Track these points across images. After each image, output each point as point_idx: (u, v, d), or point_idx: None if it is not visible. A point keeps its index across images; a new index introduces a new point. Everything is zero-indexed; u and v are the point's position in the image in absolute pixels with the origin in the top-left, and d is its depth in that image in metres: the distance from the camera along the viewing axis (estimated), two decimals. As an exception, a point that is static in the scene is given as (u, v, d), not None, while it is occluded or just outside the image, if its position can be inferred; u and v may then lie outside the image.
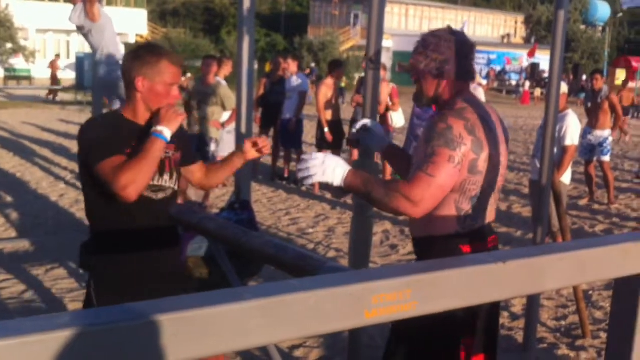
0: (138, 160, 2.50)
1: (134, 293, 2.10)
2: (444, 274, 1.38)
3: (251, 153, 2.90)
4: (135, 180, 2.47)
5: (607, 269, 1.60)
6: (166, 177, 2.73)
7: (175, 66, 2.66)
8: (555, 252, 1.56)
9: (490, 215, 2.69)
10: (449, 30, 2.64)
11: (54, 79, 28.90)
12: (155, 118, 2.64)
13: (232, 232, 1.67)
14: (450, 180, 2.43)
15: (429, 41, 2.58)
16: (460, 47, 2.58)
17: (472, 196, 2.54)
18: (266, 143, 2.84)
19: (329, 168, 2.48)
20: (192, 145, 3.02)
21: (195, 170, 2.97)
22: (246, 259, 2.90)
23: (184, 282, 2.85)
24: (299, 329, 1.22)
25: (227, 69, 8.97)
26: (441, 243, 2.55)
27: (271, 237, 2.12)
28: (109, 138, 2.57)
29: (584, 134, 9.64)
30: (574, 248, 1.60)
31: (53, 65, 29.52)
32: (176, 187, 2.78)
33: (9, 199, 8.65)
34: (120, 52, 6.68)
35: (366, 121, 2.99)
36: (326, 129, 9.56)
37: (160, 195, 2.71)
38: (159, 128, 2.58)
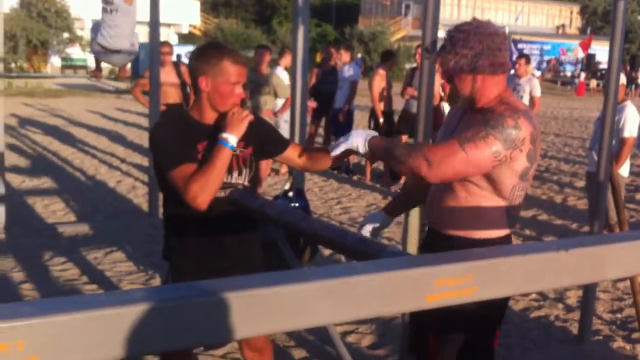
0: (206, 171, 2.56)
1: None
2: (505, 261, 1.39)
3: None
4: (204, 190, 2.53)
5: (670, 258, 1.58)
6: (235, 174, 2.76)
7: (237, 65, 2.65)
8: (617, 242, 1.55)
9: None
10: (477, 22, 2.50)
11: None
12: (222, 122, 2.66)
13: (292, 217, 1.71)
14: (478, 164, 2.33)
15: (457, 37, 2.44)
16: (492, 39, 2.43)
17: (517, 205, 2.52)
18: None
19: (354, 134, 2.50)
20: (275, 133, 2.99)
21: (291, 156, 2.93)
22: (301, 246, 2.95)
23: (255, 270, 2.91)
24: (362, 310, 1.25)
25: (288, 58, 9.04)
26: (480, 245, 2.44)
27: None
28: (178, 143, 2.63)
29: (643, 126, 9.42)
30: (636, 238, 1.59)
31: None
32: (247, 182, 2.79)
33: (68, 184, 8.88)
34: (135, 42, 6.93)
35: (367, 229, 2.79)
36: (381, 120, 9.56)
37: (229, 192, 2.75)
38: (225, 135, 2.60)
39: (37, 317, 0.98)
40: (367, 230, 2.74)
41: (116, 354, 1.04)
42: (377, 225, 2.81)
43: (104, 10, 6.78)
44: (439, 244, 2.57)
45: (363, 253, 1.47)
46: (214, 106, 2.68)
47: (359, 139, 2.48)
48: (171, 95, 8.54)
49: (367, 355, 4.15)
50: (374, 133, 2.53)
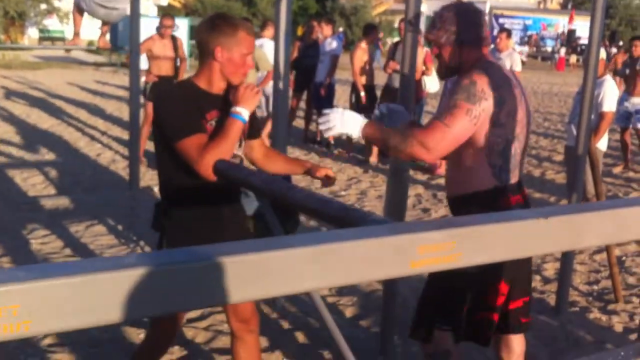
0: (218, 142, 2.62)
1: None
2: (487, 228, 1.43)
3: (315, 176, 3.05)
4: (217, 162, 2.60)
5: (646, 227, 1.63)
6: (237, 145, 2.82)
7: (250, 36, 2.75)
8: (596, 210, 1.59)
9: (519, 174, 2.83)
10: (458, 2, 2.84)
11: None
12: (233, 97, 2.73)
13: (277, 186, 1.73)
14: (464, 132, 2.60)
15: (445, 16, 2.75)
16: (472, 15, 2.78)
17: (500, 150, 2.69)
18: (332, 177, 3.01)
19: (348, 119, 2.68)
20: (257, 120, 3.10)
21: (255, 146, 3.05)
22: (284, 217, 2.98)
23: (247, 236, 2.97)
24: (348, 276, 1.27)
25: (271, 30, 9.01)
26: (482, 198, 2.70)
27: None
28: (187, 113, 2.67)
29: (621, 101, 9.50)
30: (614, 206, 1.63)
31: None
32: (243, 154, 2.93)
33: (47, 157, 8.83)
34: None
35: (381, 108, 3.04)
36: (362, 93, 9.55)
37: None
38: (238, 109, 2.68)
39: (31, 281, 0.99)
40: (377, 112, 3.02)
41: (110, 318, 1.06)
42: (383, 109, 3.03)
43: None
44: (452, 209, 2.95)
45: (346, 221, 1.50)
46: (225, 76, 2.74)
47: (354, 126, 2.68)
48: (164, 68, 8.60)
49: (349, 327, 4.20)
50: (363, 120, 2.70)
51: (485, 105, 2.60)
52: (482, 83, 2.61)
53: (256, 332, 3.09)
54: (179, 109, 2.68)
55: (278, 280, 1.19)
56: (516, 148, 2.73)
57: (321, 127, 2.75)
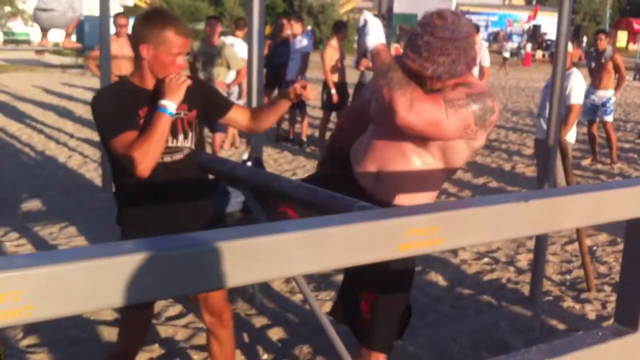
0: (146, 138, 2.55)
1: None
2: (470, 211, 1.47)
3: (296, 96, 2.80)
4: (146, 158, 2.54)
5: (621, 210, 1.68)
6: (180, 137, 2.76)
7: (180, 36, 2.62)
8: (573, 193, 1.64)
9: None
10: (452, 25, 2.38)
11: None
12: (159, 89, 2.64)
13: (263, 177, 1.75)
14: (447, 131, 2.37)
15: (434, 44, 2.36)
16: (466, 42, 2.40)
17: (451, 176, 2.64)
18: (310, 89, 2.75)
19: (377, 26, 2.46)
20: (218, 96, 2.99)
21: (236, 117, 2.95)
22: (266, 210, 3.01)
23: None
24: (338, 259, 1.31)
25: (245, 29, 9.00)
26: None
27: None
28: (119, 110, 2.62)
29: (587, 94, 9.66)
30: (590, 190, 1.69)
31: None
32: (193, 146, 2.79)
33: (18, 160, 8.73)
34: (74, 3, 7.05)
35: (366, 16, 2.61)
36: (333, 91, 9.59)
37: (177, 157, 2.75)
38: (163, 102, 2.59)
39: (32, 267, 1.01)
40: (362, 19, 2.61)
41: (110, 303, 1.08)
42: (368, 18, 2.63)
43: None
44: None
45: (334, 208, 1.53)
46: (154, 74, 2.67)
47: (378, 37, 2.45)
48: (125, 68, 8.38)
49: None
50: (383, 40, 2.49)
51: (480, 134, 2.44)
52: (495, 116, 2.46)
53: (230, 328, 3.08)
54: (110, 107, 2.63)
55: (271, 265, 1.22)
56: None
57: (365, 15, 2.50)
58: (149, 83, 2.70)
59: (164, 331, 4.04)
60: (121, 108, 2.64)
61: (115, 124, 2.60)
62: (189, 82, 2.67)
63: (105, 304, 1.10)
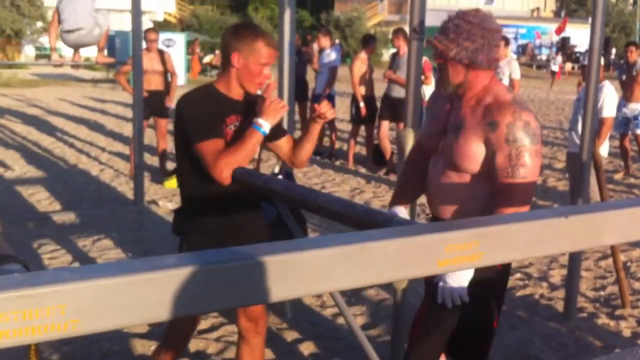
0: (236, 150, 2.68)
1: None
2: (509, 227, 1.46)
3: (322, 115, 2.86)
4: (232, 167, 2.65)
5: (661, 225, 1.66)
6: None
7: (269, 47, 2.80)
8: (613, 209, 1.62)
9: None
10: (483, 15, 2.52)
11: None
12: (258, 107, 2.79)
13: (298, 191, 1.76)
14: (538, 173, 2.50)
15: (461, 27, 2.45)
16: (493, 36, 2.48)
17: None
18: (326, 108, 2.81)
19: (459, 277, 2.52)
20: (281, 123, 3.11)
21: (283, 145, 3.04)
22: (300, 224, 3.02)
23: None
24: (379, 275, 1.30)
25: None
26: None
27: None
28: (208, 117, 2.74)
29: (618, 107, 9.54)
30: (630, 205, 1.66)
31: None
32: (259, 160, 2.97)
33: (51, 173, 8.85)
34: (98, 17, 7.44)
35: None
36: (362, 104, 9.59)
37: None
38: (260, 121, 2.73)
39: (77, 281, 1.02)
40: None
41: (153, 317, 1.09)
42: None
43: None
44: None
45: (372, 223, 1.53)
46: (241, 83, 2.81)
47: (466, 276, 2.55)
48: (154, 82, 8.47)
49: (358, 335, 4.22)
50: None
51: (539, 141, 2.50)
52: (533, 120, 2.47)
53: (263, 335, 3.13)
54: (200, 111, 2.75)
55: (313, 279, 1.21)
56: None
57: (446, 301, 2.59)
58: (235, 91, 2.84)
59: (196, 345, 4.05)
60: (211, 114, 2.75)
61: (203, 129, 2.71)
62: (287, 108, 2.82)
63: (149, 317, 1.11)
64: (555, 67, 29.71)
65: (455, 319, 2.65)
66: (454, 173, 2.57)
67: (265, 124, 2.73)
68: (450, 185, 2.60)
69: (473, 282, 2.52)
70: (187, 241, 2.93)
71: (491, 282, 2.61)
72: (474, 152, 2.49)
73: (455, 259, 1.38)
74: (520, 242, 1.49)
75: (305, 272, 1.21)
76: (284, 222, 3.04)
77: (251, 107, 2.87)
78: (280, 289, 1.19)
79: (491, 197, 2.53)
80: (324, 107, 2.79)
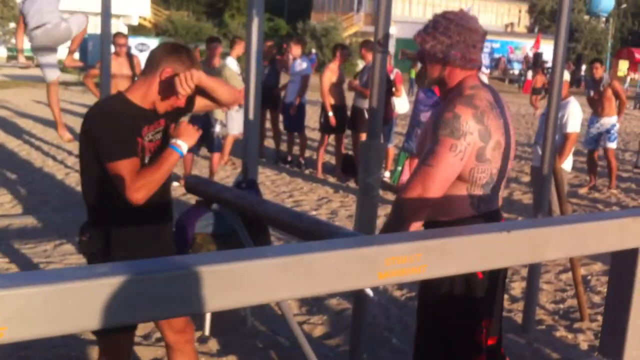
0: (153, 171, 2.65)
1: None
2: (452, 240, 1.47)
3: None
4: (148, 189, 2.63)
5: (605, 242, 1.68)
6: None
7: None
8: (557, 224, 1.64)
9: (499, 200, 2.73)
10: (463, 14, 2.59)
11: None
12: (174, 131, 2.79)
13: (249, 201, 1.76)
14: (452, 169, 2.45)
15: (440, 22, 2.56)
16: (469, 35, 2.54)
17: (483, 184, 2.56)
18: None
19: None
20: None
21: (199, 102, 3.04)
22: (255, 233, 3.00)
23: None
24: (317, 286, 1.31)
25: (239, 49, 9.06)
26: (458, 225, 2.53)
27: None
28: (124, 133, 2.66)
29: (590, 123, 9.69)
30: (575, 221, 1.69)
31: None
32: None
33: (15, 176, 8.74)
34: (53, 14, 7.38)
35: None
36: (330, 113, 9.61)
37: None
38: (179, 142, 2.73)
39: (4, 289, 1.01)
40: None
41: (83, 326, 1.08)
42: None
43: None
44: None
45: (317, 234, 1.54)
46: (159, 99, 2.77)
47: None
48: (122, 86, 8.37)
49: (318, 346, 4.22)
50: None
51: (471, 139, 2.46)
52: (466, 116, 2.45)
53: (193, 341, 3.13)
54: (114, 126, 2.67)
55: (251, 290, 1.21)
56: (499, 179, 2.63)
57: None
58: (149, 102, 2.78)
59: (154, 352, 4.02)
60: (126, 129, 2.67)
61: (120, 146, 2.63)
62: (200, 132, 2.83)
63: (80, 326, 1.10)
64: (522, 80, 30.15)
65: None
66: None
67: (184, 146, 2.73)
68: None
69: (439, 296, 2.53)
70: (110, 255, 2.83)
71: (457, 294, 2.61)
72: (425, 146, 2.55)
73: (396, 271, 1.39)
74: (463, 256, 1.50)
75: (242, 283, 1.21)
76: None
77: (159, 116, 2.84)
78: (216, 299, 1.18)
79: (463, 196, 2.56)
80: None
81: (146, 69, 2.79)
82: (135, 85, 2.82)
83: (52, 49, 7.75)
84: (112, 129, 2.65)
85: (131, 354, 3.09)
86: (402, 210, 2.48)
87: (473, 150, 2.47)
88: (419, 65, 2.71)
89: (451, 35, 2.53)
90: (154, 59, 2.77)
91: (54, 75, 7.77)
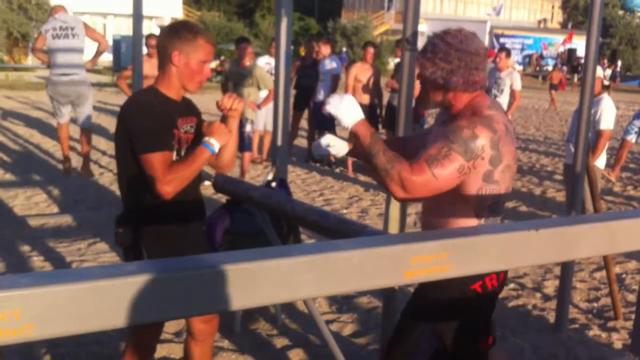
0: (185, 166, 2.69)
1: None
2: (478, 239, 1.46)
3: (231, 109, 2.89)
4: (178, 185, 2.67)
5: (636, 239, 1.66)
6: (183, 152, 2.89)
7: (209, 44, 2.80)
8: (587, 222, 1.63)
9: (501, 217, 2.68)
10: (462, 37, 2.48)
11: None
12: (207, 129, 2.82)
13: (276, 200, 1.76)
14: (448, 185, 2.39)
15: (439, 47, 2.46)
16: (471, 58, 2.45)
17: (489, 204, 2.51)
18: (230, 101, 2.85)
19: (346, 105, 2.43)
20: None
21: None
22: (284, 234, 3.01)
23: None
24: (343, 284, 1.31)
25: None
26: None
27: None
28: (159, 126, 2.71)
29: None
30: (607, 219, 1.67)
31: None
32: None
33: (50, 177, 8.87)
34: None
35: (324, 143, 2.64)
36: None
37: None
38: (212, 141, 2.76)
39: (33, 287, 1.03)
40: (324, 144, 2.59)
41: (111, 324, 1.10)
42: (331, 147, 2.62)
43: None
44: None
45: (344, 233, 1.54)
46: (182, 82, 2.80)
47: (348, 116, 2.43)
48: (154, 87, 8.50)
49: (348, 344, 4.22)
50: (361, 115, 2.46)
51: (480, 164, 2.40)
52: (483, 139, 2.38)
53: (214, 335, 3.18)
54: (150, 119, 2.72)
55: (277, 288, 1.22)
56: (504, 199, 2.58)
57: (313, 150, 2.59)
58: (176, 92, 2.83)
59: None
60: (161, 121, 2.73)
61: (155, 139, 2.68)
62: (233, 132, 2.85)
63: (108, 324, 1.11)
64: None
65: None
66: None
67: (216, 145, 2.76)
68: (433, 197, 2.52)
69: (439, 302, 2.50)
70: (141, 250, 2.87)
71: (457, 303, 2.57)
72: None
73: (422, 269, 1.39)
74: (491, 254, 1.49)
75: (269, 281, 1.22)
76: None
77: (190, 108, 2.89)
78: (243, 297, 1.19)
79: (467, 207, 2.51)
80: (226, 100, 2.82)
81: (160, 61, 2.83)
82: (159, 79, 2.86)
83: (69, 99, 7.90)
84: (146, 122, 2.71)
85: (157, 341, 3.17)
86: (378, 170, 2.38)
87: (478, 173, 2.42)
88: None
89: (451, 60, 2.44)
90: (161, 48, 2.80)
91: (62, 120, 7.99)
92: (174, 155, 2.77)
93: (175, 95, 2.84)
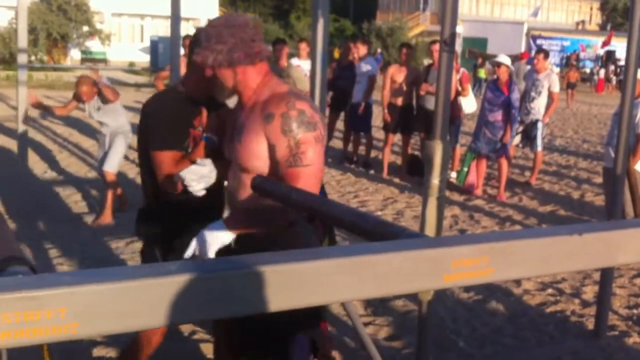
0: (185, 164, 2.70)
1: None
2: (520, 243, 1.44)
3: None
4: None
5: (682, 246, 1.62)
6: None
7: None
8: (631, 227, 1.59)
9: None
10: (227, 16, 2.56)
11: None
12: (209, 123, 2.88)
13: (313, 200, 1.77)
14: (321, 159, 2.49)
15: (210, 34, 2.48)
16: (243, 30, 2.48)
17: None
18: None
19: (211, 240, 2.43)
20: None
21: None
22: (320, 238, 3.01)
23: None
24: (382, 287, 1.30)
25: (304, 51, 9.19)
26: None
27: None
28: (173, 125, 2.78)
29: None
30: (650, 224, 1.63)
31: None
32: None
33: (89, 175, 9.00)
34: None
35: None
36: (386, 110, 9.63)
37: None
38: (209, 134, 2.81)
39: (78, 285, 1.04)
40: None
41: (154, 323, 1.11)
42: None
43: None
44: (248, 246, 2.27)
45: (382, 235, 1.53)
46: (209, 88, 2.75)
47: (222, 237, 2.46)
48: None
49: (384, 347, 4.20)
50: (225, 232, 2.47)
51: (321, 127, 2.47)
52: (307, 107, 2.44)
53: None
54: (166, 118, 2.80)
55: (314, 290, 1.22)
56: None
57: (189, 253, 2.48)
58: (202, 92, 2.83)
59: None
60: (176, 121, 2.80)
61: (165, 138, 2.76)
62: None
63: (148, 323, 1.12)
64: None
65: None
66: (246, 175, 2.50)
67: (214, 137, 2.82)
68: (244, 188, 2.53)
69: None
70: (161, 244, 2.91)
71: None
72: (258, 149, 2.46)
73: (463, 273, 1.37)
74: (532, 259, 1.47)
75: (306, 283, 1.21)
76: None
77: (212, 106, 2.89)
78: (279, 299, 1.19)
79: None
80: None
81: (188, 60, 2.88)
82: (186, 77, 2.92)
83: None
84: (161, 121, 2.79)
85: (162, 338, 3.19)
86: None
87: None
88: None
89: (226, 40, 2.46)
90: (190, 49, 2.83)
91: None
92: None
93: (201, 92, 2.84)
